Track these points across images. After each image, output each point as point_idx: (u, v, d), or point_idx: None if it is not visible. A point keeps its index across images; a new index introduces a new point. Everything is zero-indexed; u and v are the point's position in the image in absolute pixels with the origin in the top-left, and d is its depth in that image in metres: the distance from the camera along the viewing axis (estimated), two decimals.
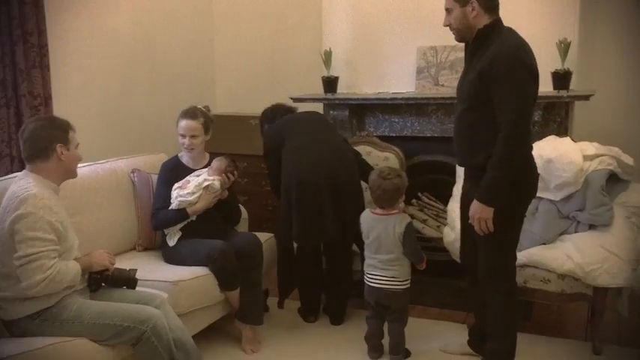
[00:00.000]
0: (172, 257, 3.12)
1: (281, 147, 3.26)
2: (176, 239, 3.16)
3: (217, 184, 3.16)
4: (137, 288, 2.67)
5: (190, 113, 3.19)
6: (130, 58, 4.02)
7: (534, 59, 2.46)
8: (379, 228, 2.86)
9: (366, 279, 2.94)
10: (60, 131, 2.42)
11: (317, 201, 3.12)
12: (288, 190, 3.19)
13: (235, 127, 4.41)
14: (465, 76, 2.60)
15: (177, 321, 2.54)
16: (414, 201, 4.20)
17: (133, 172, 3.37)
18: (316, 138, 3.27)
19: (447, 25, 2.58)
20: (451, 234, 3.28)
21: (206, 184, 3.14)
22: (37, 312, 2.28)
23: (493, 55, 2.40)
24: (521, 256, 3.04)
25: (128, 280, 2.55)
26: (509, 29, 2.53)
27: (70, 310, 2.31)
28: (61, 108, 3.41)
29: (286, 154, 3.25)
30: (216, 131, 4.46)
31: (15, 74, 3.16)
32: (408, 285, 2.90)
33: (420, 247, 2.91)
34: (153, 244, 3.30)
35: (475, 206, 2.51)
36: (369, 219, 2.92)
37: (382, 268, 2.87)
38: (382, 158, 3.77)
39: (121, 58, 3.95)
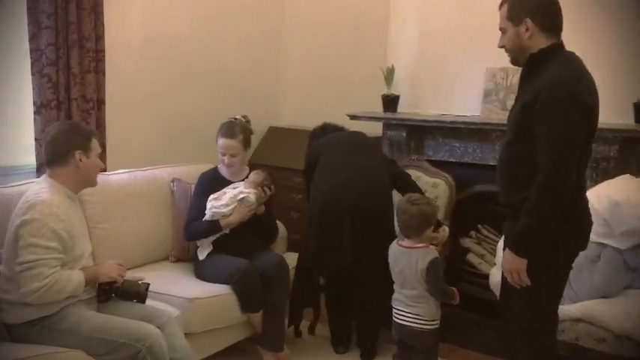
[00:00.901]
0: (200, 272, 3.05)
1: (315, 166, 3.12)
2: (206, 253, 3.09)
3: (252, 197, 3.06)
4: (152, 300, 2.61)
5: (229, 132, 3.12)
6: (188, 66, 4.01)
7: (592, 94, 2.12)
8: (403, 262, 2.63)
9: (393, 314, 2.72)
10: (81, 138, 2.41)
11: (336, 226, 2.94)
12: (311, 211, 3.07)
13: (297, 141, 4.30)
14: (514, 106, 2.33)
15: (183, 342, 2.45)
16: (472, 233, 3.92)
17: (172, 181, 3.35)
18: (349, 159, 3.11)
19: (501, 47, 2.32)
20: (497, 275, 2.97)
21: (241, 196, 3.05)
22: (38, 319, 2.25)
23: (540, 86, 2.10)
24: (575, 308, 2.70)
25: (138, 294, 2.49)
26: (571, 55, 2.21)
27: (69, 320, 2.27)
28: (112, 113, 3.47)
29: (316, 174, 3.11)
30: (278, 144, 4.46)
31: (68, 78, 3.23)
32: (436, 325, 2.64)
33: (445, 285, 2.63)
34: (186, 256, 3.25)
35: (506, 255, 2.22)
36: (395, 251, 2.70)
37: (407, 304, 2.64)
38: (431, 184, 3.51)
39: (179, 67, 3.95)
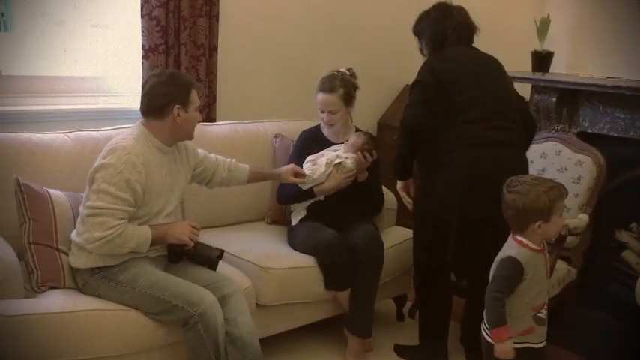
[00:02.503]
0: (291, 238, 2.79)
1: (438, 103, 2.41)
2: (299, 219, 2.82)
3: (350, 163, 2.70)
4: (227, 265, 2.45)
5: (328, 85, 2.77)
6: (310, 12, 3.63)
7: None
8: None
9: None
10: (181, 91, 2.23)
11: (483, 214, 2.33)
12: (448, 185, 2.38)
13: None
14: None
15: (246, 317, 2.21)
16: (633, 225, 3.19)
17: (276, 137, 3.10)
18: (495, 111, 2.40)
19: None
20: None
21: (338, 161, 2.71)
22: (99, 267, 2.17)
23: None
24: None
25: (208, 260, 2.31)
26: None
27: (128, 272, 2.16)
28: (224, 60, 3.28)
29: (447, 128, 2.39)
30: None
31: (179, 21, 3.08)
32: (531, 344, 2.05)
33: (497, 301, 1.96)
34: (283, 218, 3.00)
35: None
36: None
37: None
38: (574, 162, 2.86)
39: (299, 12, 3.60)
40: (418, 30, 2.64)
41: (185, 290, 2.13)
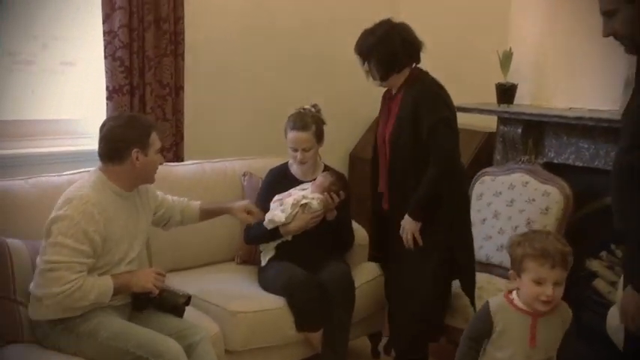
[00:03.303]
0: (261, 278, 2.74)
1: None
2: (267, 258, 2.77)
3: (316, 204, 2.68)
4: (193, 310, 2.38)
5: (300, 123, 2.76)
6: (278, 51, 3.63)
7: None
8: None
9: None
10: (139, 134, 2.18)
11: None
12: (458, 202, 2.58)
13: None
14: (630, 102, 1.73)
15: None
16: (603, 254, 3.20)
17: (244, 175, 3.07)
18: None
19: (608, 35, 1.74)
20: (617, 316, 2.31)
21: (304, 201, 2.68)
22: (60, 319, 2.08)
23: None
24: None
25: (174, 307, 2.25)
26: None
27: (89, 323, 2.08)
28: (191, 99, 3.26)
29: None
30: None
31: (143, 61, 3.06)
32: None
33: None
34: (253, 258, 2.95)
35: (628, 296, 1.69)
36: None
37: None
38: (541, 192, 2.89)
39: (266, 51, 3.60)
40: (365, 50, 2.54)
41: (150, 340, 2.05)
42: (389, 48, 2.49)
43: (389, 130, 2.58)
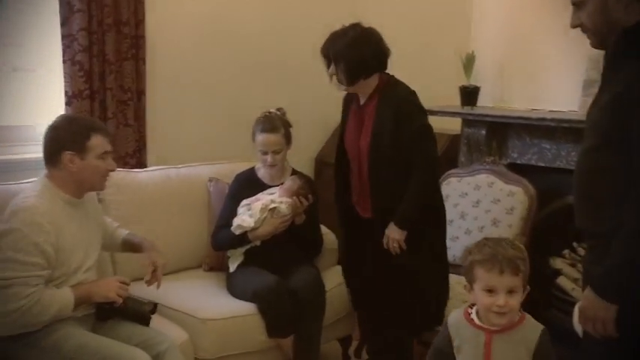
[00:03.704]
0: (230, 285, 2.70)
1: None
2: (236, 264, 2.73)
3: (284, 208, 2.65)
4: (161, 318, 2.33)
5: (269, 125, 2.72)
6: (241, 54, 3.58)
7: None
8: None
9: None
10: (74, 136, 2.06)
11: None
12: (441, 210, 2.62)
13: None
14: (598, 98, 1.74)
15: None
16: (566, 252, 3.27)
17: (210, 180, 3.02)
18: None
19: (576, 27, 1.76)
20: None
21: (272, 206, 2.65)
22: (20, 334, 1.99)
23: None
24: None
25: (140, 316, 2.18)
26: None
27: (52, 337, 2.00)
28: (154, 104, 3.19)
29: None
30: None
31: (103, 65, 2.98)
32: None
33: None
34: (221, 264, 2.90)
35: (588, 298, 1.65)
36: None
37: None
38: (506, 192, 2.93)
39: (230, 54, 3.55)
40: (333, 53, 2.44)
41: (116, 352, 1.99)
42: (359, 53, 2.40)
43: (366, 141, 2.49)
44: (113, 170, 2.21)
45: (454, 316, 1.76)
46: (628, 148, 1.57)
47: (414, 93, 2.50)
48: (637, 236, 1.55)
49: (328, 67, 2.50)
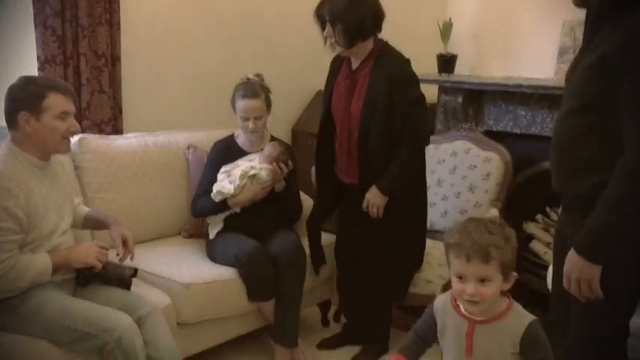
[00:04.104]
0: (210, 251, 2.70)
1: None
2: (216, 231, 2.73)
3: (265, 174, 2.65)
4: (144, 284, 2.34)
5: (251, 91, 2.70)
6: (219, 17, 3.51)
7: None
8: None
9: None
10: (29, 96, 2.00)
11: None
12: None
13: None
14: (579, 60, 1.75)
15: (166, 338, 2.10)
16: (539, 217, 3.35)
17: (188, 147, 2.99)
18: None
19: None
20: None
21: (252, 172, 2.65)
22: None
23: (629, 31, 1.54)
24: None
25: (121, 280, 2.17)
26: None
27: (30, 302, 1.98)
28: (129, 70, 3.13)
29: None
30: None
31: (76, 30, 2.91)
32: None
33: None
34: (200, 231, 2.90)
35: (573, 261, 1.67)
36: None
37: None
38: (482, 159, 2.97)
39: (207, 17, 3.48)
40: (331, 14, 2.38)
41: (98, 316, 1.97)
42: (358, 14, 2.35)
43: (357, 106, 2.47)
44: (75, 132, 2.12)
45: (441, 299, 1.67)
46: (613, 109, 1.58)
47: (408, 61, 2.49)
48: (624, 199, 1.56)
49: (323, 29, 2.44)
